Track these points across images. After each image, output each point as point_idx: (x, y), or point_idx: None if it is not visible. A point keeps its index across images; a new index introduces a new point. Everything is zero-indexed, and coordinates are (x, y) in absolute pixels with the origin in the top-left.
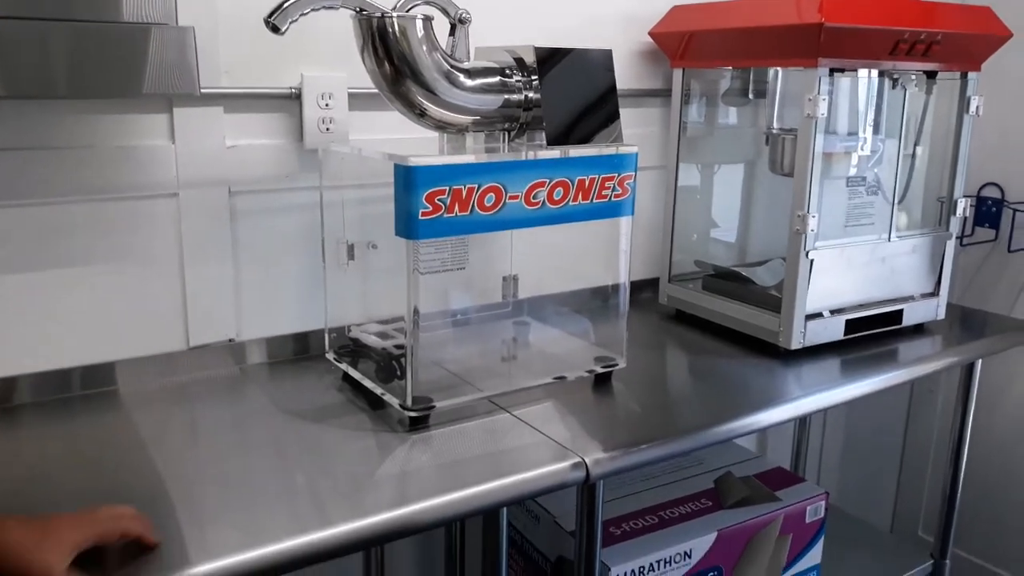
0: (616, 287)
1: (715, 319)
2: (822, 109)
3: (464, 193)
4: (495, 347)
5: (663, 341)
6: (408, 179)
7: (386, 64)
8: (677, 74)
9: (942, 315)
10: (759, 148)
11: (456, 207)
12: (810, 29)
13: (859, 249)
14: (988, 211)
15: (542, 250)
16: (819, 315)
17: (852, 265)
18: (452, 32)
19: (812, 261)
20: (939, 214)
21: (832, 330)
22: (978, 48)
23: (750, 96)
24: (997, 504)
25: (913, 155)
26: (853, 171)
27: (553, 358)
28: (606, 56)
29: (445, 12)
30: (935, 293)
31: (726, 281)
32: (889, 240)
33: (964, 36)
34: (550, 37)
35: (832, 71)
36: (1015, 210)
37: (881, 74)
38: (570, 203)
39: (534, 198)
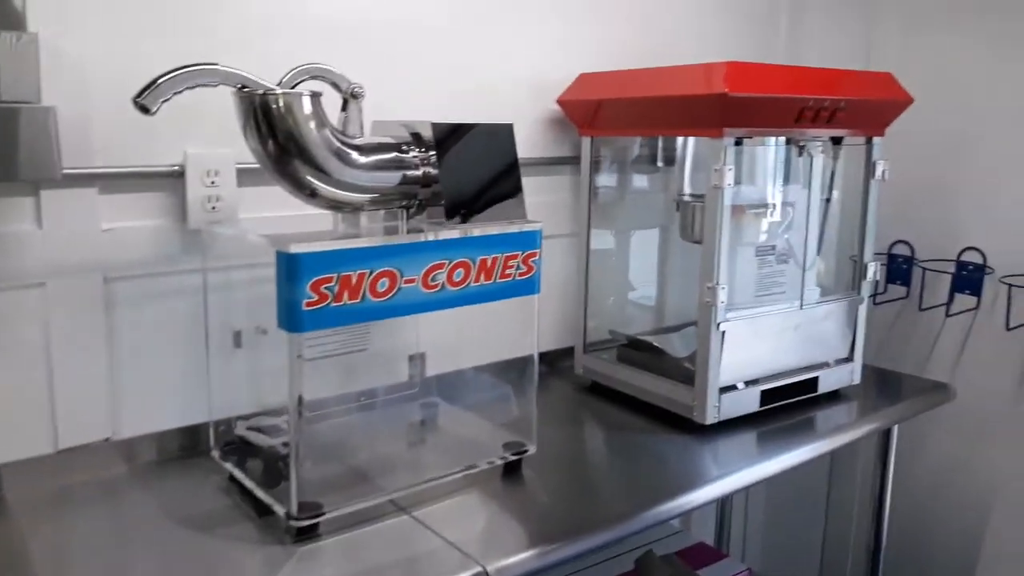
0: (528, 361)
1: (630, 391)
2: (728, 179)
3: (354, 280)
4: (401, 433)
5: (578, 416)
6: (291, 267)
7: (271, 143)
8: (586, 142)
9: (857, 379)
10: (672, 214)
11: (345, 295)
12: (715, 99)
13: (771, 319)
14: (899, 268)
15: (452, 323)
16: (733, 387)
17: (765, 335)
18: (344, 107)
19: (724, 333)
20: (853, 273)
21: (747, 402)
22: (881, 114)
23: (659, 163)
24: (921, 564)
25: (823, 219)
26: (763, 238)
27: (462, 444)
28: (507, 130)
29: (336, 87)
30: (850, 358)
31: (640, 352)
32: (801, 308)
33: (867, 102)
34: (456, 107)
35: (738, 140)
36: (924, 268)
37: (788, 141)
38: (471, 284)
39: (432, 281)
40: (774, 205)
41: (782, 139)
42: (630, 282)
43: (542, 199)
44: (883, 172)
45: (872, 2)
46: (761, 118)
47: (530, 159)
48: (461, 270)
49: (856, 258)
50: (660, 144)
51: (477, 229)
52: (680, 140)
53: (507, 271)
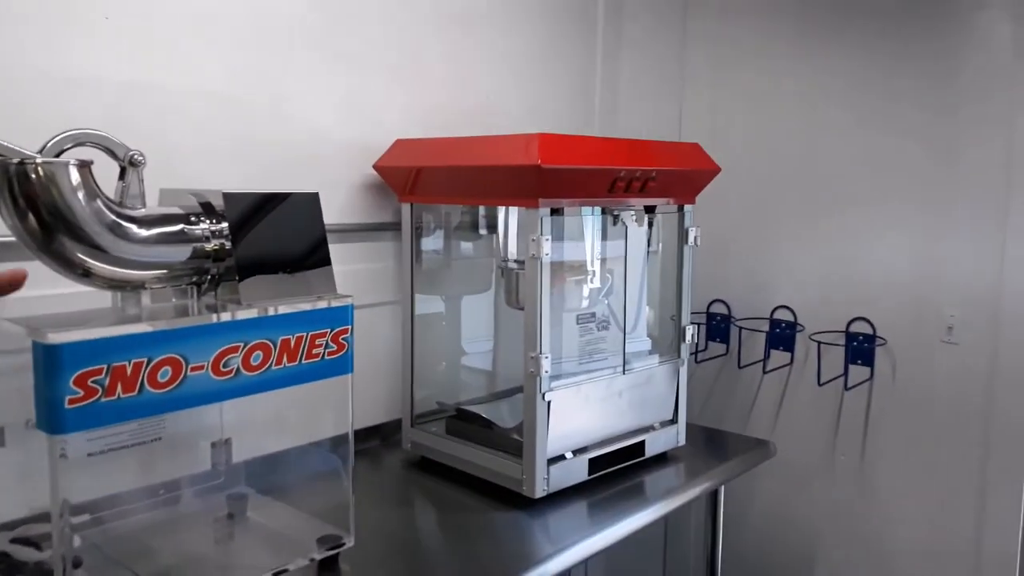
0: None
1: (459, 466)
2: (546, 249)
3: (129, 370)
4: (206, 530)
5: (406, 495)
6: (49, 360)
7: (31, 218)
8: (406, 208)
9: (683, 441)
10: (498, 280)
11: (119, 388)
12: (529, 171)
13: (595, 385)
14: (718, 326)
15: (260, 403)
16: (561, 457)
17: (590, 401)
18: (122, 176)
19: (549, 403)
20: (674, 332)
21: (576, 472)
22: (691, 182)
23: (482, 230)
24: None
25: (642, 284)
26: (585, 304)
27: (274, 540)
28: (311, 200)
29: (111, 154)
30: (674, 420)
31: (468, 423)
32: (624, 373)
33: (677, 172)
34: (267, 175)
35: (554, 210)
36: (740, 327)
37: (603, 211)
38: (272, 368)
39: (225, 367)
40: (594, 272)
41: (598, 208)
42: (459, 348)
43: (364, 266)
44: (695, 238)
45: (683, 77)
46: (575, 188)
47: (349, 225)
48: (260, 353)
49: (676, 319)
50: (481, 211)
51: (279, 307)
52: (501, 209)
53: (314, 350)
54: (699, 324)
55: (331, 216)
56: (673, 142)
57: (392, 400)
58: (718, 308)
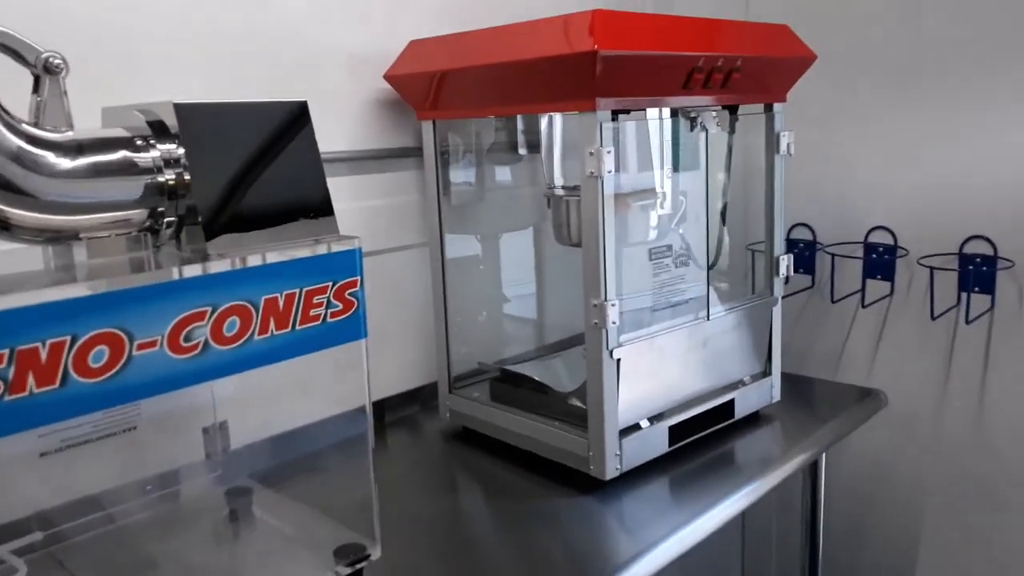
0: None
1: (509, 439)
2: (608, 164)
3: (44, 354)
4: (203, 536)
5: (444, 478)
6: None
7: None
8: (427, 127)
9: (778, 396)
10: (544, 211)
11: (31, 380)
12: (582, 60)
13: (674, 336)
14: (801, 255)
15: (260, 374)
16: (636, 427)
17: (668, 357)
18: (36, 88)
19: (619, 361)
20: (751, 266)
21: (654, 444)
22: (782, 74)
23: (521, 150)
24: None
25: (723, 208)
26: (654, 234)
27: (284, 549)
28: (297, 111)
29: (18, 56)
30: (767, 372)
31: (517, 388)
32: (708, 319)
33: (767, 61)
34: (246, 91)
35: (615, 114)
36: (832, 255)
37: (674, 113)
38: (255, 339)
39: (187, 340)
40: (665, 194)
41: (667, 111)
42: (501, 296)
43: (381, 202)
44: (789, 146)
45: None
46: (642, 84)
47: (358, 152)
48: (235, 319)
49: (756, 249)
50: (520, 125)
51: (260, 256)
52: (544, 119)
53: (312, 311)
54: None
55: (335, 143)
56: (757, 23)
57: (428, 360)
58: (801, 233)
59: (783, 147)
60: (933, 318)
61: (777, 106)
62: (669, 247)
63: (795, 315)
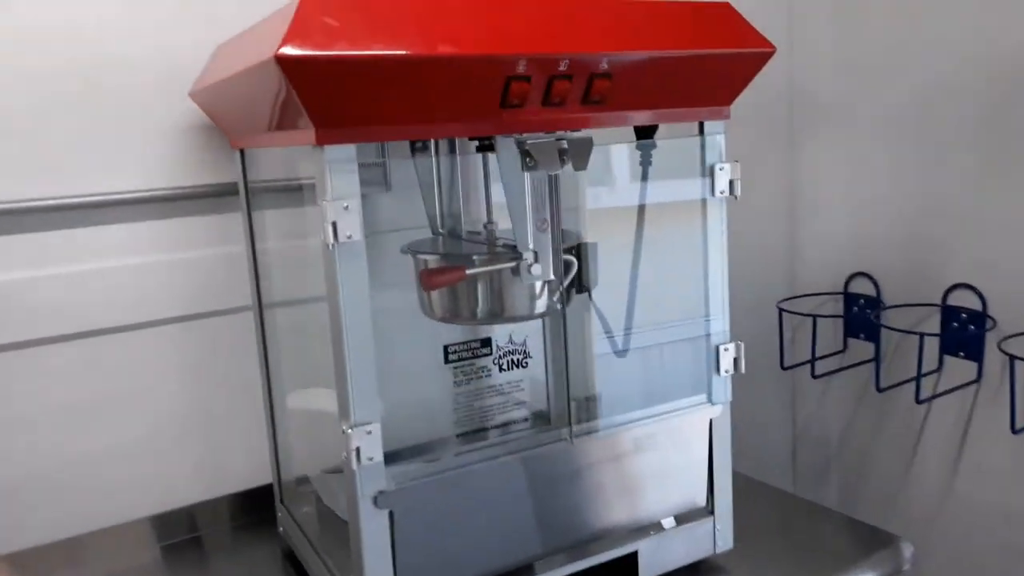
0: None
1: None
2: (348, 226)
3: None
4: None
5: None
6: None
7: None
8: (236, 157)
9: (727, 544)
10: None
11: None
12: (269, 71)
13: (499, 472)
14: (858, 317)
15: None
16: None
17: (495, 502)
18: None
19: (392, 515)
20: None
21: None
22: (712, 78)
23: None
24: None
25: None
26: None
27: None
28: None
29: None
30: (708, 509)
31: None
32: (571, 441)
33: (674, 60)
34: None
35: (415, 146)
36: (885, 326)
37: (482, 148)
38: None
39: None
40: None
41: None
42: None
43: (203, 253)
44: (731, 183)
45: None
46: (412, 103)
47: (172, 191)
48: None
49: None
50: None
51: None
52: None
53: None
54: (815, 316)
55: (132, 180)
56: (665, 1)
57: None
58: (862, 287)
59: (720, 186)
60: (1014, 430)
61: (711, 125)
62: (487, 343)
63: (848, 402)
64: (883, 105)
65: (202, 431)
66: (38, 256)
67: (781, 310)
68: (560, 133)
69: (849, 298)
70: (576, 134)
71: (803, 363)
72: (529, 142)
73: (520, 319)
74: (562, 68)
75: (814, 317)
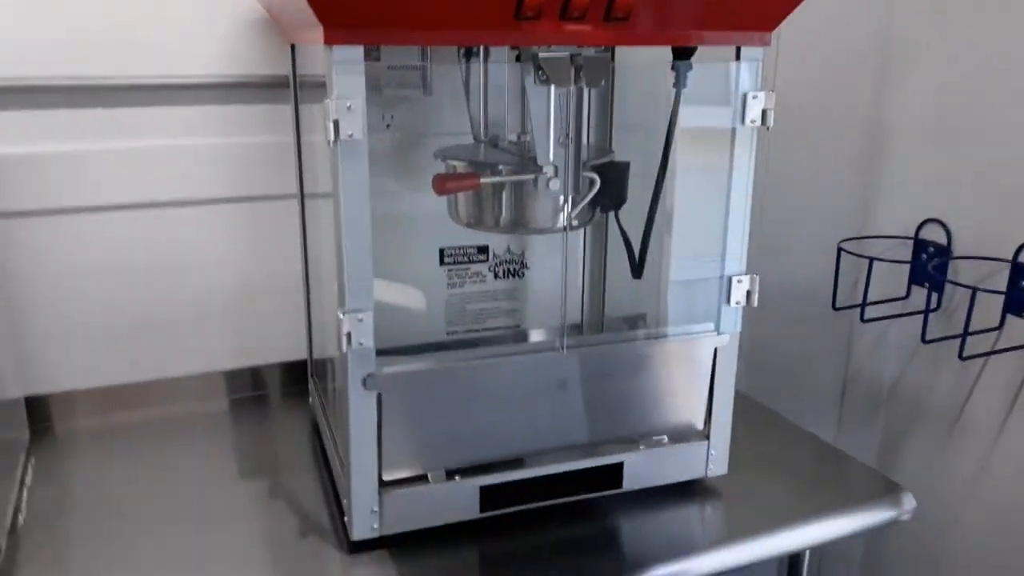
0: None
1: (329, 455)
2: (350, 125)
3: None
4: None
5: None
6: None
7: None
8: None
9: (721, 470)
10: None
11: None
12: None
13: (493, 371)
14: (925, 265)
15: None
16: (421, 479)
17: (482, 399)
18: None
19: (379, 397)
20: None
21: (452, 506)
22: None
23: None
24: None
25: (654, 200)
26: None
27: None
28: None
29: None
30: (704, 433)
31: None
32: (563, 351)
33: None
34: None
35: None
36: (956, 283)
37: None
38: None
39: None
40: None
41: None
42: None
43: (256, 139)
44: (764, 112)
45: None
46: (420, 9)
47: (233, 78)
48: None
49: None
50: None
51: None
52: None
53: None
54: (872, 259)
55: (202, 65)
56: None
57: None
58: (933, 233)
59: (752, 114)
60: None
61: (748, 51)
62: (485, 249)
63: (905, 350)
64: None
65: (246, 304)
66: (108, 129)
67: (841, 249)
68: (576, 49)
69: (919, 244)
70: (595, 51)
71: (854, 306)
72: (541, 55)
73: (540, 231)
74: None
75: (871, 260)
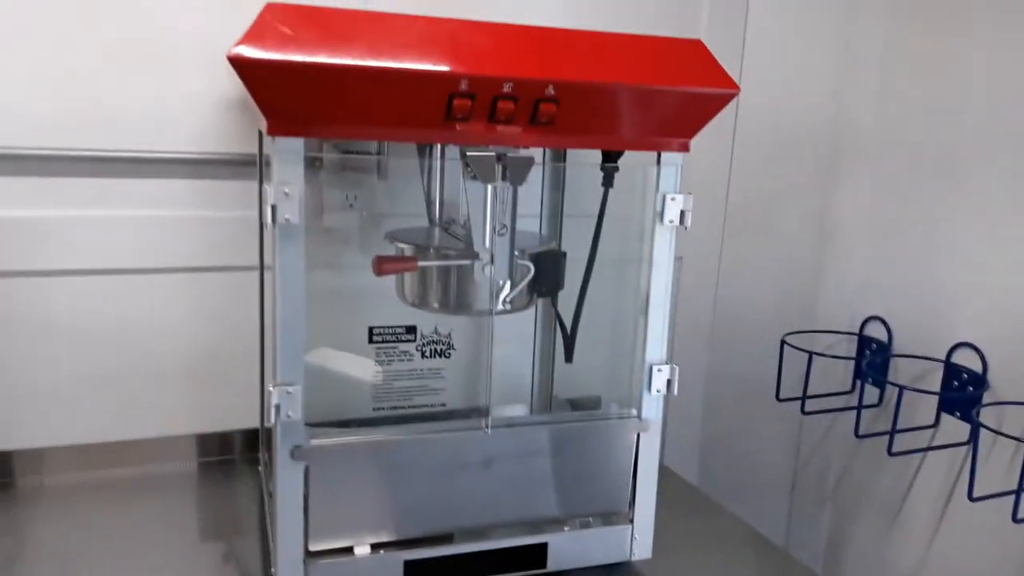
0: None
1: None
2: (287, 209)
3: None
4: None
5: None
6: None
7: None
8: (267, 141)
9: (644, 554)
10: None
11: None
12: (234, 65)
13: (419, 447)
14: (872, 362)
15: None
16: (346, 551)
17: (413, 474)
18: None
19: (307, 469)
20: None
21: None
22: (670, 111)
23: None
24: None
25: (582, 293)
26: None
27: None
28: None
29: None
30: (629, 517)
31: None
32: (487, 431)
33: (630, 90)
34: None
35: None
36: (895, 385)
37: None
38: None
39: None
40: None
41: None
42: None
43: (226, 214)
44: (681, 213)
45: None
46: (362, 107)
47: (205, 155)
48: None
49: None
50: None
51: None
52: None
53: None
54: (811, 353)
55: (179, 141)
56: (629, 35)
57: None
58: (876, 331)
59: (670, 214)
60: (1015, 519)
61: (668, 156)
62: (410, 329)
63: (847, 447)
64: (925, 144)
65: (213, 370)
66: (82, 199)
67: (784, 343)
68: (503, 149)
69: (863, 340)
70: (520, 152)
71: (795, 398)
72: (468, 154)
73: (478, 314)
74: (506, 90)
75: (810, 354)
